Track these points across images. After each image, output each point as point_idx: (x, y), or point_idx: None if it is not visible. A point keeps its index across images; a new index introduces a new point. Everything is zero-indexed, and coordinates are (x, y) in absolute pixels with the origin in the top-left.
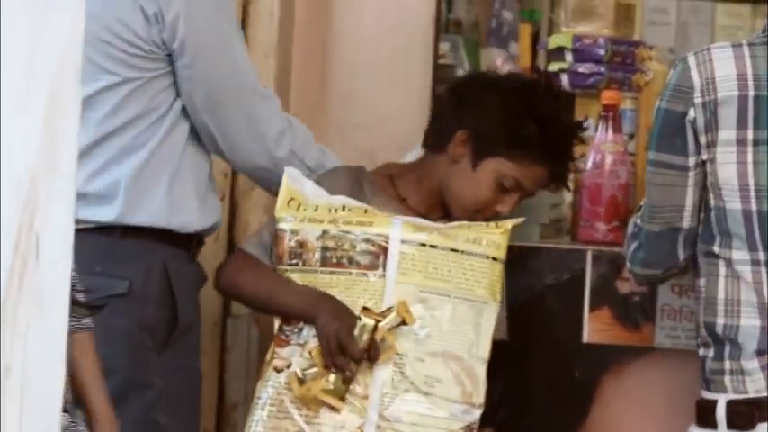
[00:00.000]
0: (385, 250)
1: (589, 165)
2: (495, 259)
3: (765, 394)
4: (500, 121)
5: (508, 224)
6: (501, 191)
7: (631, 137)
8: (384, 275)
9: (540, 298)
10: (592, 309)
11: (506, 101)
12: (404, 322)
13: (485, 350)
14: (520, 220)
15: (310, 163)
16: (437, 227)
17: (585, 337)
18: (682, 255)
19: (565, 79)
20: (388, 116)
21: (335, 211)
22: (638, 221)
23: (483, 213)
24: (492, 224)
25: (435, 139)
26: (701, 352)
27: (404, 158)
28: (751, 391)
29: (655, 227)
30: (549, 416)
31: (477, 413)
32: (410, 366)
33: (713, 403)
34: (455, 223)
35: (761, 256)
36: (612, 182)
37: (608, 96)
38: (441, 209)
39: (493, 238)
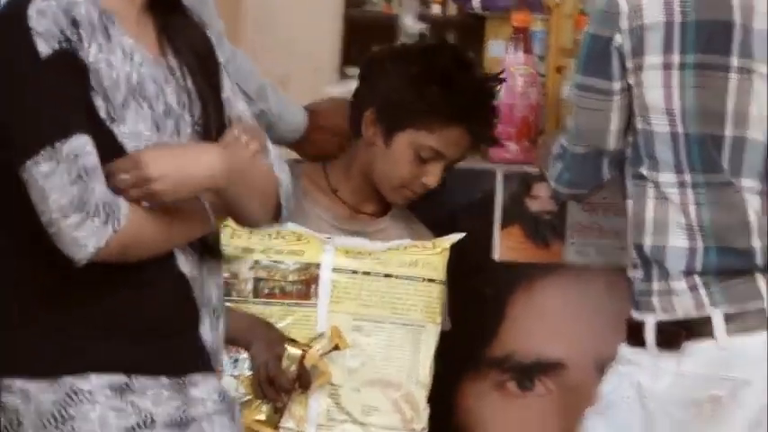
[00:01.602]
0: (317, 279)
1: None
2: (432, 281)
3: (693, 315)
4: (401, 92)
5: (446, 243)
6: (421, 163)
7: (542, 58)
8: (316, 305)
9: (452, 217)
10: (503, 227)
11: (404, 70)
12: (337, 347)
13: (425, 374)
14: (460, 236)
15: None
16: (371, 250)
17: (496, 255)
18: (606, 176)
19: (476, 2)
20: (301, 39)
21: (269, 237)
22: (564, 143)
23: (411, 189)
24: (429, 244)
25: (353, 124)
26: (630, 273)
27: (325, 89)
28: (678, 312)
29: (580, 149)
30: (460, 333)
31: None
32: (346, 397)
33: (642, 323)
34: (391, 245)
35: (687, 178)
36: (523, 102)
37: (518, 18)
38: (374, 196)
39: (429, 259)
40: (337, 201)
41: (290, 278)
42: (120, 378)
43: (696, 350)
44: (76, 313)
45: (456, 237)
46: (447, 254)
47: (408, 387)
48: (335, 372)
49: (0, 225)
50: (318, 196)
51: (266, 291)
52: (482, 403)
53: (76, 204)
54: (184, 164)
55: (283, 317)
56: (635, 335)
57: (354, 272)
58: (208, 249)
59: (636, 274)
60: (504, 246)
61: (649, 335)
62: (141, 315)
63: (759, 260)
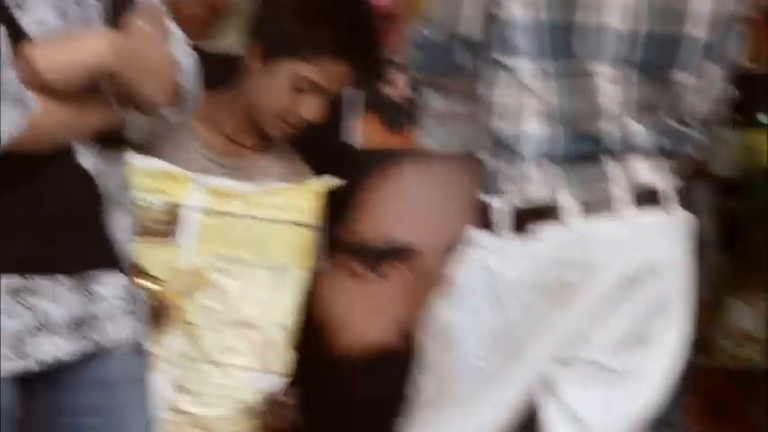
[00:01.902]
0: (182, 219)
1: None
2: (300, 224)
3: (544, 199)
4: (282, 22)
5: (318, 187)
6: (299, 94)
7: None
8: (180, 244)
9: None
10: (360, 114)
11: (284, 2)
12: (198, 287)
13: (286, 317)
14: (334, 181)
15: None
16: (240, 191)
17: (353, 142)
18: (462, 62)
19: None
20: None
21: (139, 175)
22: (421, 29)
23: (289, 121)
24: (301, 188)
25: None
26: (484, 158)
27: None
28: (530, 196)
29: (435, 35)
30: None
31: (278, 380)
32: (205, 337)
33: (493, 208)
34: (261, 187)
35: (542, 64)
36: None
37: None
38: (255, 129)
39: (299, 203)
40: (217, 133)
41: (156, 217)
42: (16, 280)
43: (546, 234)
44: None
45: (330, 182)
46: (319, 197)
47: (269, 330)
48: (196, 312)
49: None
50: (198, 128)
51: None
52: (336, 290)
53: None
54: (70, 51)
55: (146, 254)
56: (486, 219)
57: (221, 213)
58: (110, 142)
59: (489, 159)
60: (361, 132)
61: (500, 219)
62: (41, 210)
63: (609, 145)
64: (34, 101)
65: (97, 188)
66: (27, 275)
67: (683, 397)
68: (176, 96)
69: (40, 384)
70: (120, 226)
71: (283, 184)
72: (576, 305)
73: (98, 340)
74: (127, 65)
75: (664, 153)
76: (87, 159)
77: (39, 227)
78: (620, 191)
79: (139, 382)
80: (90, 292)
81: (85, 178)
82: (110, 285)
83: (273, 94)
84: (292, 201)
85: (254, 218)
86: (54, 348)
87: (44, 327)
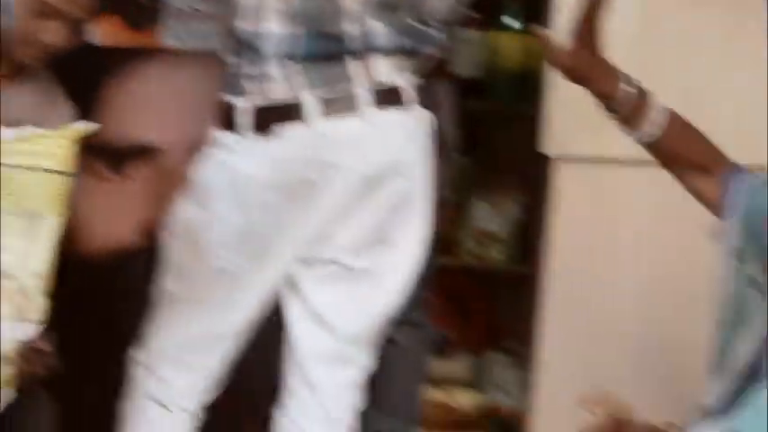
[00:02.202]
0: None
1: None
2: (55, 172)
3: (286, 98)
4: None
5: (73, 133)
6: (39, 18)
7: None
8: None
9: None
10: (101, 13)
11: None
12: None
13: (41, 265)
14: (90, 125)
15: None
16: None
17: (94, 40)
18: None
19: None
20: None
21: None
22: None
23: (33, 47)
24: (55, 134)
25: None
26: (226, 56)
27: None
28: (272, 96)
29: None
30: None
31: (34, 328)
32: None
33: (236, 108)
34: (15, 135)
35: None
36: None
37: None
38: (2, 58)
39: (53, 150)
40: None
41: None
42: None
43: (288, 133)
44: None
45: (86, 126)
46: (72, 143)
47: (24, 278)
48: None
49: None
50: None
51: None
52: (80, 192)
53: None
54: None
55: None
56: (228, 119)
57: None
58: None
59: (231, 59)
60: (102, 31)
61: (242, 118)
62: None
63: (350, 45)
64: None
65: None
66: None
67: (426, 296)
68: None
69: None
70: None
71: (38, 130)
72: (318, 205)
73: None
74: None
75: (404, 52)
76: None
77: None
78: (361, 90)
79: None
80: None
81: None
82: None
83: (16, 19)
84: (45, 147)
85: (5, 165)
86: None
87: None
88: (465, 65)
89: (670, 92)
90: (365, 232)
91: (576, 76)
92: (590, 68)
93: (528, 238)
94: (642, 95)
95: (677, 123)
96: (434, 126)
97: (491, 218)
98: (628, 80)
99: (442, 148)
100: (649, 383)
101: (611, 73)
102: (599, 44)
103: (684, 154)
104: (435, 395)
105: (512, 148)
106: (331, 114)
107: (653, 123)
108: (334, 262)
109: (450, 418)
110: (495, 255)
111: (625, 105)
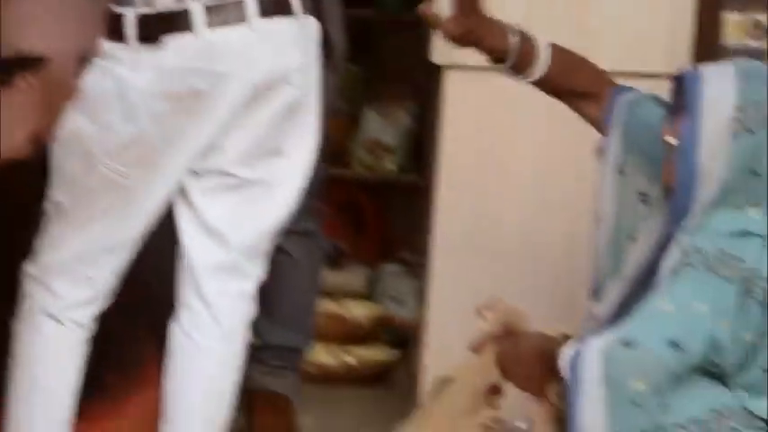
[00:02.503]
0: None
1: None
2: None
3: (172, 7)
4: None
5: None
6: None
7: None
8: None
9: None
10: None
11: None
12: None
13: None
14: None
15: None
16: None
17: None
18: None
19: None
20: None
21: None
22: None
23: None
24: None
25: None
26: None
27: None
28: (158, 5)
29: None
30: None
31: None
32: None
33: (121, 17)
34: None
35: None
36: None
37: None
38: None
39: None
40: None
41: None
42: None
43: (176, 43)
44: None
45: None
46: None
47: None
48: None
49: None
50: None
51: None
52: None
53: None
54: None
55: None
56: (116, 29)
57: None
58: None
59: None
60: None
61: (129, 29)
62: None
63: None
64: None
65: None
66: None
67: (318, 207)
68: None
69: None
70: None
71: None
72: (209, 115)
73: None
74: None
75: None
76: None
77: None
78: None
79: None
80: None
81: None
82: None
83: None
84: None
85: None
86: None
87: None
88: None
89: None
90: (255, 142)
91: (465, 41)
92: (477, 30)
93: (420, 148)
94: (527, 41)
95: (561, 58)
96: (322, 35)
97: (383, 128)
98: (512, 30)
99: (331, 57)
100: (542, 293)
101: (498, 28)
102: (480, 3)
103: (569, 84)
104: (329, 307)
105: (402, 57)
106: (218, 24)
107: (540, 65)
108: (224, 173)
109: (344, 329)
110: (388, 165)
111: (514, 55)
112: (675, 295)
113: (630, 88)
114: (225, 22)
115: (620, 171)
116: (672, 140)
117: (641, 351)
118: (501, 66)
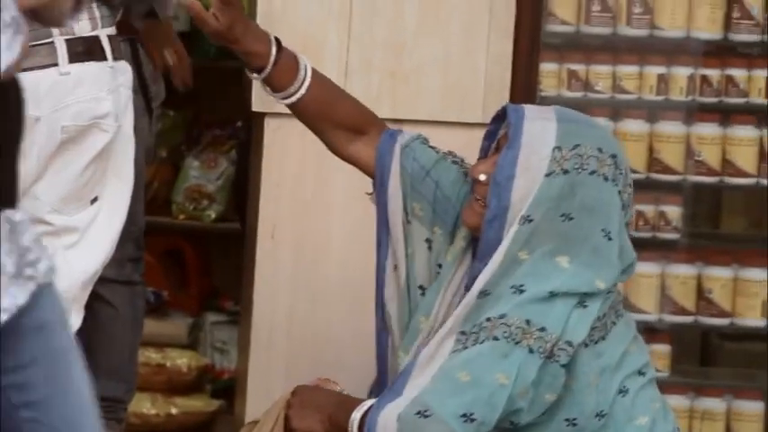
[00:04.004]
0: None
1: None
2: None
3: None
4: None
5: None
6: None
7: None
8: None
9: None
10: None
11: None
12: None
13: None
14: None
15: None
16: None
17: None
18: None
19: None
20: None
21: None
22: None
23: None
24: None
25: None
26: None
27: None
28: None
29: None
30: None
31: None
32: None
33: None
34: None
35: None
36: None
37: None
38: None
39: None
40: None
41: None
42: None
43: None
44: None
45: None
46: None
47: None
48: None
49: None
50: None
51: None
52: None
53: None
54: None
55: None
56: None
57: None
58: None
59: None
60: None
61: None
62: None
63: None
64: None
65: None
66: None
67: (139, 256)
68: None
69: None
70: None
71: None
72: (23, 160)
73: (36, 276)
74: None
75: (108, 5)
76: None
77: None
78: (58, 41)
79: (65, 319)
80: (16, 223)
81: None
82: (20, 211)
83: None
84: None
85: None
86: (11, 298)
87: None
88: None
89: (383, 47)
90: (69, 189)
91: (224, 38)
92: (238, 26)
93: (241, 195)
94: (289, 55)
95: (324, 83)
96: (139, 81)
97: (203, 175)
98: (275, 40)
99: (149, 103)
100: (367, 336)
101: (260, 32)
102: (240, 5)
103: (331, 114)
104: (152, 356)
105: (221, 103)
106: (29, 66)
107: (301, 84)
108: (37, 220)
109: (167, 379)
110: (209, 212)
111: (272, 65)
112: (475, 366)
113: (400, 131)
114: (33, 65)
115: (406, 220)
116: (482, 177)
117: (435, 422)
118: (258, 76)
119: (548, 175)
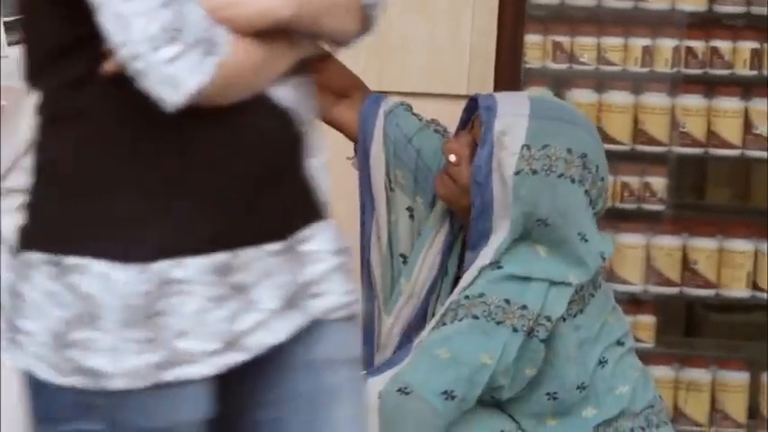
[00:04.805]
0: None
1: None
2: None
3: None
4: None
5: None
6: None
7: None
8: None
9: None
10: None
11: None
12: None
13: None
14: None
15: None
16: None
17: None
18: None
19: None
20: None
21: None
22: None
23: None
24: None
25: None
26: None
27: None
28: None
29: None
30: None
31: None
32: None
33: None
34: None
35: None
36: None
37: None
38: None
39: None
40: None
41: None
42: (217, 258)
43: None
44: (166, 174)
45: None
46: None
47: None
48: None
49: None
50: None
51: None
52: None
53: (170, 32)
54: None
55: None
56: None
57: None
58: (298, 68)
59: None
60: None
61: None
62: (238, 167)
63: None
64: (228, 41)
65: (297, 127)
66: (230, 250)
67: None
68: (365, 18)
69: (233, 377)
70: (315, 164)
71: None
72: (11, 132)
73: (312, 311)
74: (305, 5)
75: None
76: (282, 94)
77: (237, 188)
78: None
79: (352, 358)
80: (301, 255)
81: (283, 118)
82: (320, 240)
83: None
84: None
85: None
86: (269, 333)
87: (255, 308)
88: None
89: None
90: None
91: None
92: None
93: None
94: None
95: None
96: None
97: None
98: None
99: None
100: None
101: None
102: None
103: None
104: None
105: None
106: (18, 40)
107: None
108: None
109: None
110: None
111: None
112: (455, 344)
113: (384, 96)
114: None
115: (389, 187)
116: (452, 158)
117: (415, 399)
118: None
119: (517, 173)
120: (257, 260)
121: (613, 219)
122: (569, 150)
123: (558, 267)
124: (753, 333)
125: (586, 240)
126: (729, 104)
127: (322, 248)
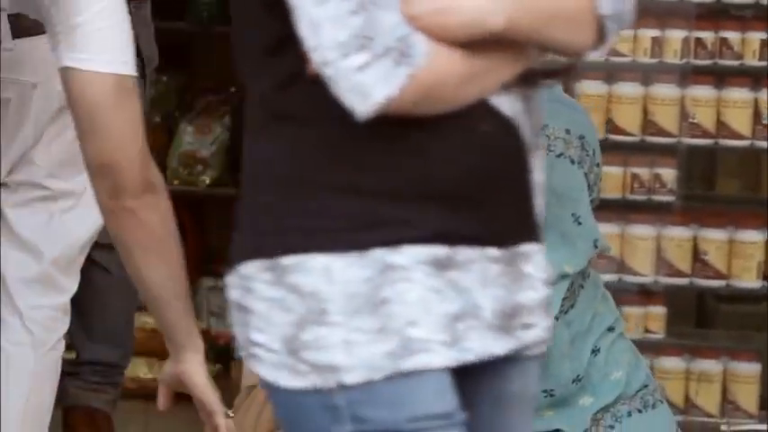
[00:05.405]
0: None
1: None
2: None
3: None
4: None
5: None
6: None
7: None
8: None
9: None
10: None
11: None
12: None
13: None
14: None
15: None
16: None
17: None
18: None
19: None
20: None
21: None
22: None
23: None
24: None
25: None
26: None
27: None
28: None
29: None
30: None
31: None
32: None
33: None
34: None
35: None
36: None
37: None
38: None
39: None
40: None
41: None
42: (439, 250)
43: None
44: (381, 170)
45: None
46: None
47: None
48: None
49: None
50: None
51: None
52: None
53: (360, 40)
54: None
55: None
56: None
57: None
58: (524, 79)
59: None
60: None
61: None
62: (463, 165)
63: None
64: (425, 52)
65: (520, 138)
66: (453, 245)
67: None
68: (600, 30)
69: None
70: (537, 180)
71: None
72: (18, 126)
73: (522, 340)
74: (524, 16)
75: None
76: (505, 103)
77: (458, 186)
78: None
79: (534, 398)
80: (520, 275)
81: (508, 127)
82: (535, 264)
83: None
84: None
85: None
86: (495, 343)
87: (480, 312)
88: None
89: None
90: (63, 153)
91: None
92: None
93: (235, 160)
94: None
95: None
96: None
97: (197, 140)
98: None
99: (142, 69)
100: None
101: None
102: None
103: None
104: (148, 321)
105: (215, 68)
106: (23, 32)
107: None
108: (36, 185)
109: (163, 343)
110: (203, 178)
111: None
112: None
113: None
114: (29, 31)
115: None
116: None
117: None
118: None
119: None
120: (476, 262)
121: (623, 210)
122: (568, 131)
123: (550, 259)
124: (764, 324)
125: (580, 223)
126: (739, 95)
127: (536, 274)
